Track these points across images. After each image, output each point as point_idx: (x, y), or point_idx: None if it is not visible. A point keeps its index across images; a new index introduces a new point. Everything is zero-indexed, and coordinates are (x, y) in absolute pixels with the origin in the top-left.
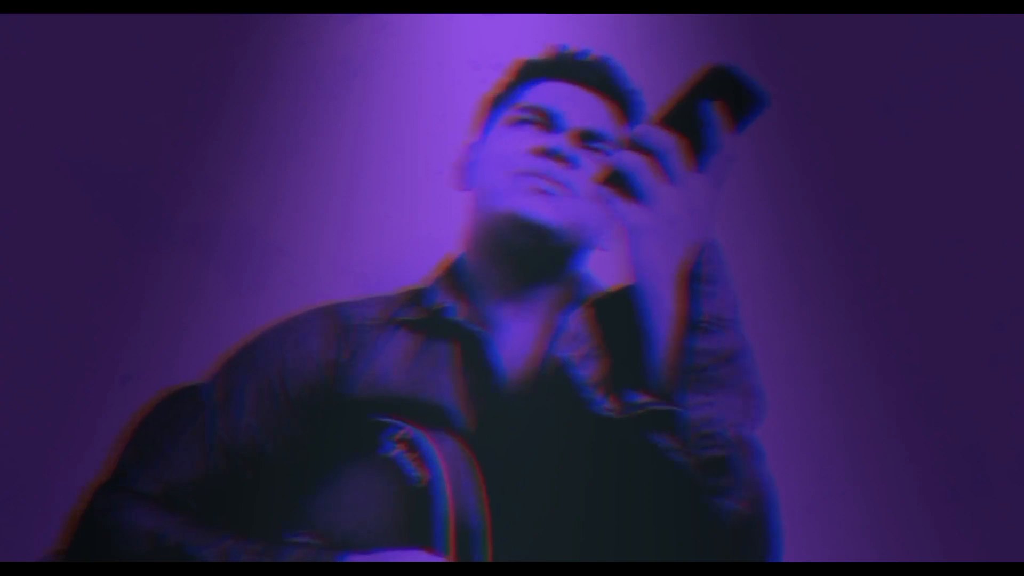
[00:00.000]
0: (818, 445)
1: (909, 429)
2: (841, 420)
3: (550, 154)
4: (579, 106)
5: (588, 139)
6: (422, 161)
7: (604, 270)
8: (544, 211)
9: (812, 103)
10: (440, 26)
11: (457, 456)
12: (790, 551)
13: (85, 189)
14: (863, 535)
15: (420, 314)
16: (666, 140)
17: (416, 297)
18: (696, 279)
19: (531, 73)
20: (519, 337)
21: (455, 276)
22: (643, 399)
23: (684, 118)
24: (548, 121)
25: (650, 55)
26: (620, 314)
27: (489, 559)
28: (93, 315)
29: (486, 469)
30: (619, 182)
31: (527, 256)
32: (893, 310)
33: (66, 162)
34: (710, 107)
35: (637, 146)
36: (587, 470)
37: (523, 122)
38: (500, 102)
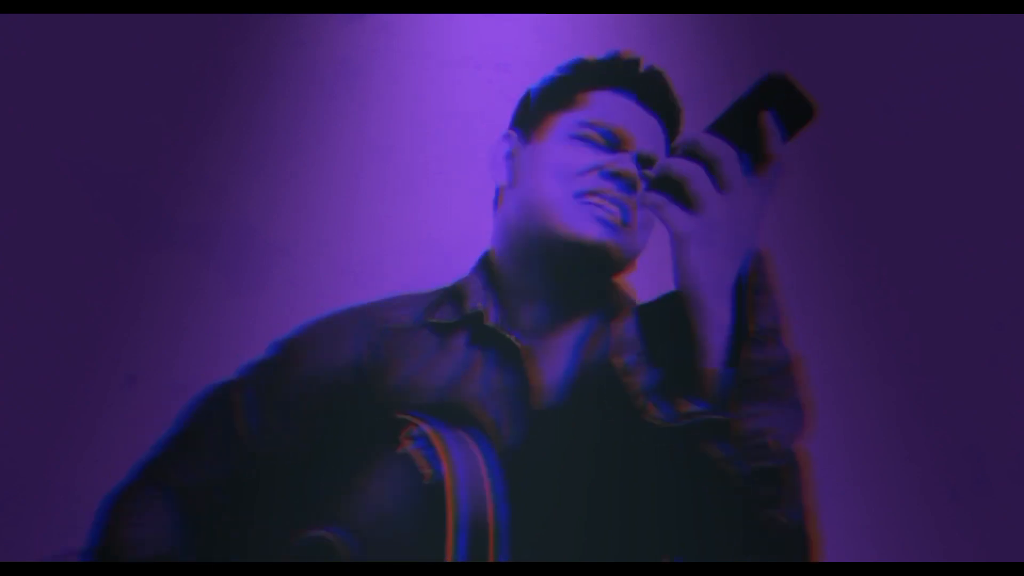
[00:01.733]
0: (818, 445)
1: (909, 429)
2: (841, 420)
3: (617, 176)
4: (641, 127)
5: (647, 164)
6: (422, 161)
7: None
8: (606, 236)
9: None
10: (440, 26)
11: (476, 456)
12: None
13: (85, 189)
14: (863, 535)
15: (457, 316)
16: (722, 148)
17: (452, 297)
18: (749, 289)
19: (592, 78)
20: (556, 345)
21: (491, 277)
22: (697, 408)
23: (740, 126)
24: (616, 142)
25: (650, 55)
26: (670, 322)
27: (504, 558)
28: (93, 315)
29: (513, 472)
30: (674, 188)
31: (578, 273)
32: (893, 310)
33: (66, 162)
34: (765, 116)
35: (693, 153)
36: (626, 476)
37: (589, 139)
38: (559, 105)
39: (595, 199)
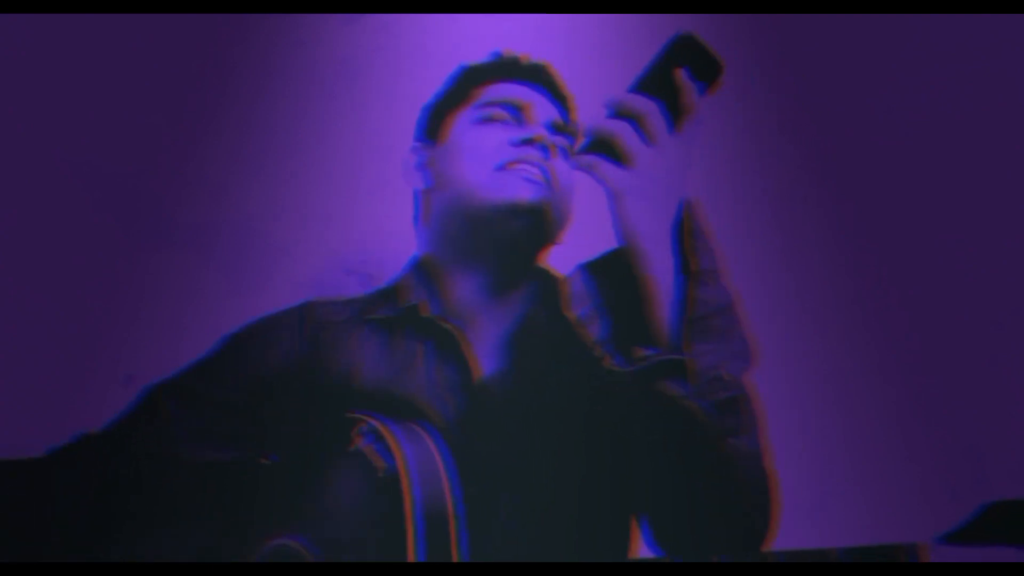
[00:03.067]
0: (819, 446)
1: (909, 429)
2: (841, 420)
3: (533, 143)
4: (539, 101)
5: (556, 130)
6: None
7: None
8: (538, 195)
9: (812, 103)
10: (440, 26)
11: (428, 446)
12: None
13: (85, 189)
14: (863, 535)
15: (395, 312)
16: (645, 105)
17: (389, 296)
18: (687, 233)
19: (478, 76)
20: (495, 328)
21: (426, 272)
22: (653, 352)
23: (657, 85)
24: (520, 115)
25: (650, 55)
26: (615, 276)
27: (464, 545)
28: (93, 315)
29: (464, 458)
30: (605, 148)
31: (517, 238)
32: (893, 310)
33: (66, 162)
34: (680, 73)
35: (618, 113)
36: (588, 429)
37: (494, 119)
38: (456, 104)
39: (520, 166)
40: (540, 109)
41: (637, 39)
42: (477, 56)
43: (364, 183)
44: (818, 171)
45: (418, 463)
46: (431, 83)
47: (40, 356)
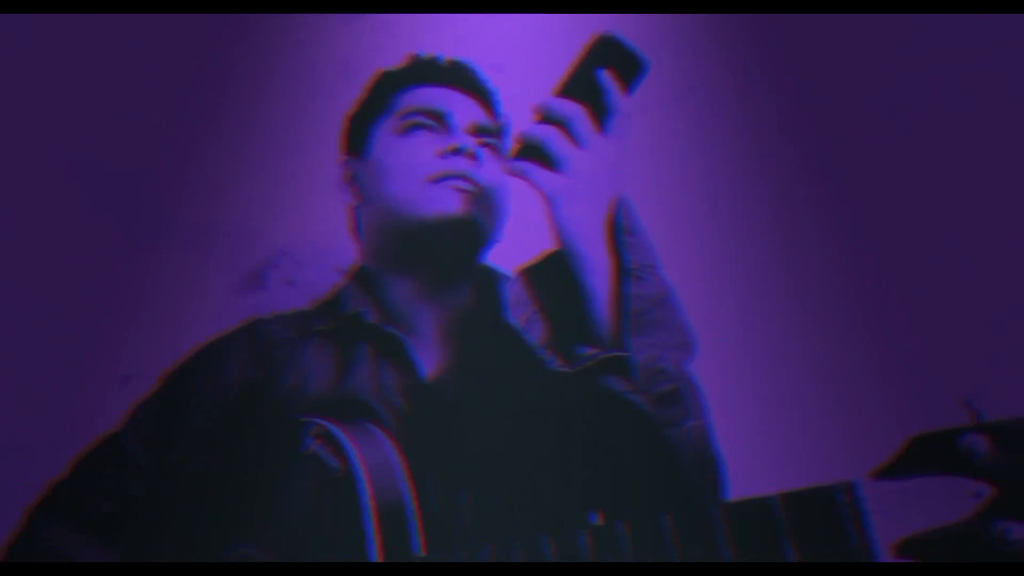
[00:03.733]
0: (819, 447)
1: (909, 429)
2: (841, 420)
3: (459, 152)
4: (459, 104)
5: (479, 132)
6: None
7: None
8: (467, 208)
9: (812, 103)
10: (440, 26)
11: (376, 444)
12: None
13: (85, 189)
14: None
15: (335, 323)
16: (571, 108)
17: (330, 307)
18: (619, 231)
19: (396, 83)
20: (435, 331)
21: (364, 283)
22: (593, 350)
23: (581, 87)
24: (441, 121)
25: (650, 55)
26: (552, 278)
27: (421, 538)
28: (93, 315)
29: (413, 457)
30: (534, 153)
31: (447, 253)
32: (893, 310)
33: (66, 162)
34: (603, 74)
35: (545, 118)
36: (537, 429)
37: (416, 128)
38: (373, 114)
39: (446, 179)
40: (461, 113)
41: (637, 39)
42: (478, 56)
43: None
44: (818, 171)
45: (370, 461)
46: None
47: (40, 356)
